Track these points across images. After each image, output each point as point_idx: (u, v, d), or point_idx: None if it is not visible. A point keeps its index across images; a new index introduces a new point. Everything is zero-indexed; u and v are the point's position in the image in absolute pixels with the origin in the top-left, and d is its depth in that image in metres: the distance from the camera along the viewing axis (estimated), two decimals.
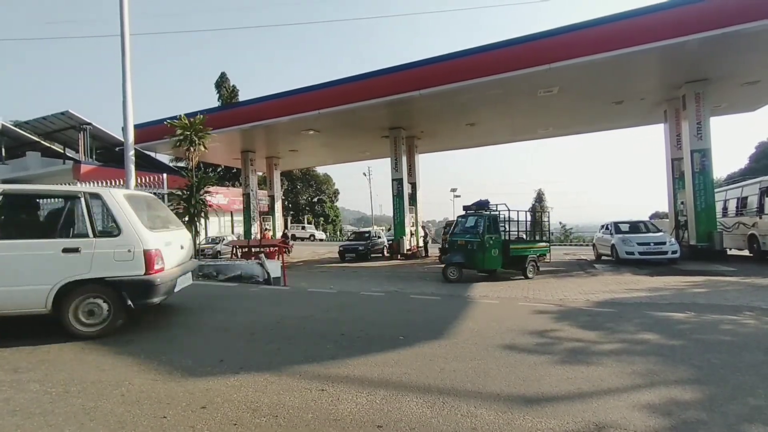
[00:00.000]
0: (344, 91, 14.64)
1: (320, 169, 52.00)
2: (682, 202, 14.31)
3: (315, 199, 52.73)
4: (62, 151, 23.73)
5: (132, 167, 10.24)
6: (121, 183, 10.40)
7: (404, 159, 17.67)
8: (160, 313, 5.21)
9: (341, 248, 18.25)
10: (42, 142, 23.16)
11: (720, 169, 61.79)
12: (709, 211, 12.78)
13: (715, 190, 13.81)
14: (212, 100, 41.88)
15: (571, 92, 13.73)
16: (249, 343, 3.79)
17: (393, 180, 17.54)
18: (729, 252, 13.86)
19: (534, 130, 19.53)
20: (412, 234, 18.34)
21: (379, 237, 19.72)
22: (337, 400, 2.51)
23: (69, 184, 11.33)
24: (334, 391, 2.64)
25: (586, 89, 13.66)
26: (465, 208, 11.11)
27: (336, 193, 55.26)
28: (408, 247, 17.55)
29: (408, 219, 17.72)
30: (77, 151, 21.67)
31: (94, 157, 22.41)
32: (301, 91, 15.64)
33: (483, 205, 10.57)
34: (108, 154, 23.85)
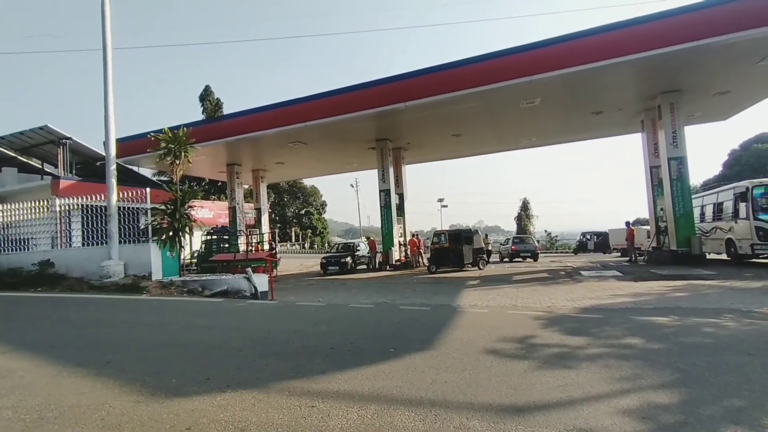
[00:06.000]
0: (331, 104, 14.72)
1: (307, 181, 51.89)
2: (661, 209, 14.73)
3: (302, 212, 52.41)
4: (40, 167, 23.11)
5: (113, 181, 10.05)
6: (102, 198, 10.17)
7: (391, 170, 17.78)
8: (142, 332, 5.06)
9: (323, 260, 17.67)
10: (18, 157, 22.51)
11: (696, 176, 64.07)
12: (687, 216, 13.19)
13: (693, 197, 14.28)
14: (196, 114, 41.64)
15: (553, 103, 14.12)
16: (236, 359, 3.69)
17: (380, 191, 17.59)
18: (708, 256, 14.27)
19: (518, 140, 19.94)
20: (401, 245, 18.34)
21: (358, 249, 19.45)
22: (328, 417, 2.46)
23: (48, 201, 11.02)
24: (324, 407, 2.59)
25: (566, 100, 14.07)
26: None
27: (323, 205, 55.09)
28: (397, 258, 17.53)
29: (396, 230, 17.74)
30: (56, 166, 21.11)
31: (73, 172, 21.88)
32: (288, 103, 15.66)
33: None
34: (88, 169, 23.30)
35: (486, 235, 21.79)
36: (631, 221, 19.18)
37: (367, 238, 21.38)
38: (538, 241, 27.29)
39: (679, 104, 13.26)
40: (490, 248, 22.26)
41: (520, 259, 21.09)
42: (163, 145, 10.32)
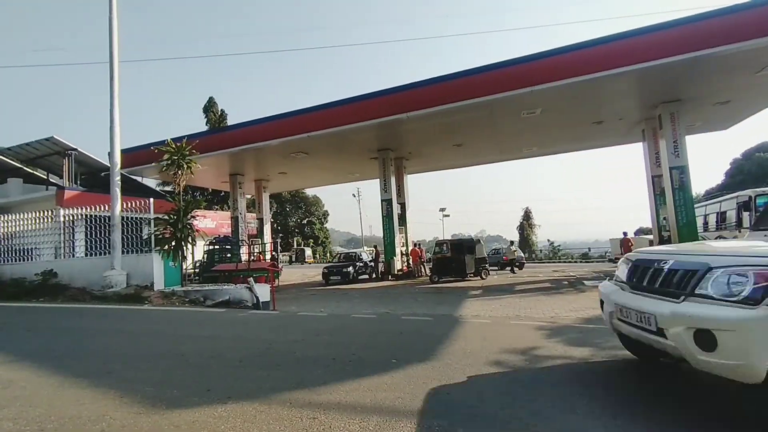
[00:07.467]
0: (333, 114, 14.85)
1: (309, 191, 52.09)
2: (664, 218, 14.68)
3: (304, 221, 52.50)
4: (45, 177, 23.32)
5: (118, 191, 10.14)
6: (106, 208, 10.23)
7: (393, 180, 17.83)
8: (143, 342, 5.05)
9: (325, 270, 17.60)
10: (24, 168, 22.75)
11: (698, 185, 64.02)
12: (690, 225, 13.11)
13: (695, 206, 14.23)
14: (200, 125, 42.09)
15: (553, 113, 14.19)
16: (237, 370, 3.67)
17: (382, 201, 17.62)
18: None
19: (519, 150, 20.01)
20: (403, 254, 18.30)
21: (360, 258, 19.46)
22: (329, 429, 2.43)
23: (52, 211, 11.10)
24: (325, 419, 2.56)
25: (567, 110, 14.14)
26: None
27: (325, 214, 55.19)
28: (399, 268, 17.47)
29: (398, 239, 17.71)
30: (61, 177, 21.30)
31: (78, 182, 22.06)
32: (290, 114, 15.81)
33: None
34: (93, 180, 23.50)
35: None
36: (630, 231, 19.13)
37: (375, 247, 21.28)
38: (540, 251, 28.20)
39: (679, 114, 13.31)
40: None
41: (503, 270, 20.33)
42: (166, 156, 10.42)
